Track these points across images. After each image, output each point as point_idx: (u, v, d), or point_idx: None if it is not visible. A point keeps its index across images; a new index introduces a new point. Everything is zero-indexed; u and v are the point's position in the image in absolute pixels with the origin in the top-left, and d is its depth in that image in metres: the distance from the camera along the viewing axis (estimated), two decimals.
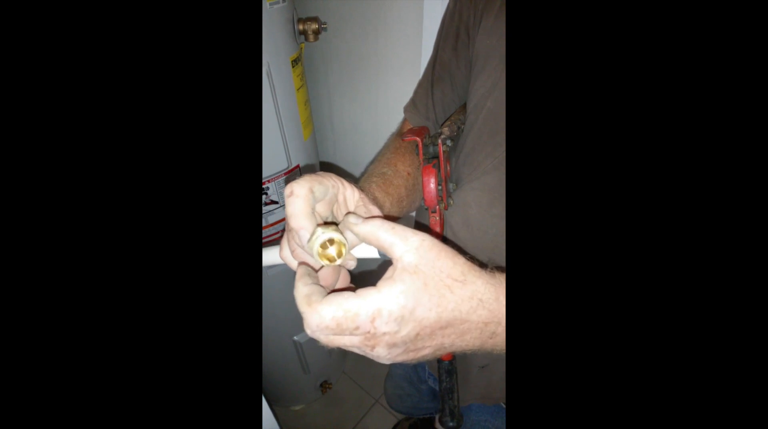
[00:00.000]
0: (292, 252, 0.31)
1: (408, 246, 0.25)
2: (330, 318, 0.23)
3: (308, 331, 0.24)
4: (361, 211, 0.33)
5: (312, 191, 0.29)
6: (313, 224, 0.28)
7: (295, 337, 1.09)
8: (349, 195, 0.33)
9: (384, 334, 0.24)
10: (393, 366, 0.85)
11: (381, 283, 0.24)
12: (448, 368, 0.51)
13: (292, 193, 0.29)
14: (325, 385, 1.32)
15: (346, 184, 0.33)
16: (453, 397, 0.51)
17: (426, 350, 0.26)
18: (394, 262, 0.25)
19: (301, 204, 0.29)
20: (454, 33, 0.48)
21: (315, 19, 0.79)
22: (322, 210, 0.32)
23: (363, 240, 0.28)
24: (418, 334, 0.24)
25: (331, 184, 0.31)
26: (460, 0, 0.47)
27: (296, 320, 1.07)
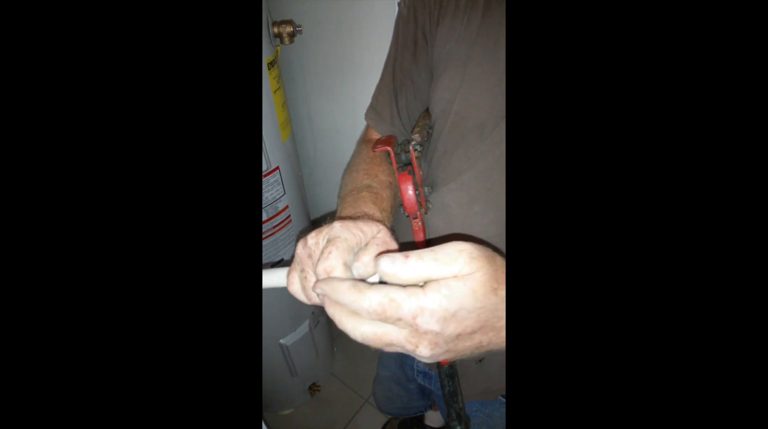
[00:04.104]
0: (310, 298, 0.31)
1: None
2: (377, 302, 0.24)
3: (352, 321, 0.25)
4: (374, 249, 0.30)
5: (345, 265, 0.28)
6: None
7: (281, 341, 1.08)
8: (370, 237, 0.32)
9: (425, 333, 0.24)
10: (380, 368, 0.85)
11: (428, 285, 0.24)
12: (449, 372, 0.51)
13: (329, 270, 0.28)
14: (313, 388, 1.32)
15: (366, 230, 0.32)
16: (458, 399, 0.51)
17: (467, 350, 0.27)
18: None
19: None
20: (412, 39, 0.48)
21: (290, 22, 0.80)
22: None
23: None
24: (459, 335, 0.25)
25: (355, 242, 0.30)
26: (414, 6, 0.47)
27: (282, 323, 1.07)
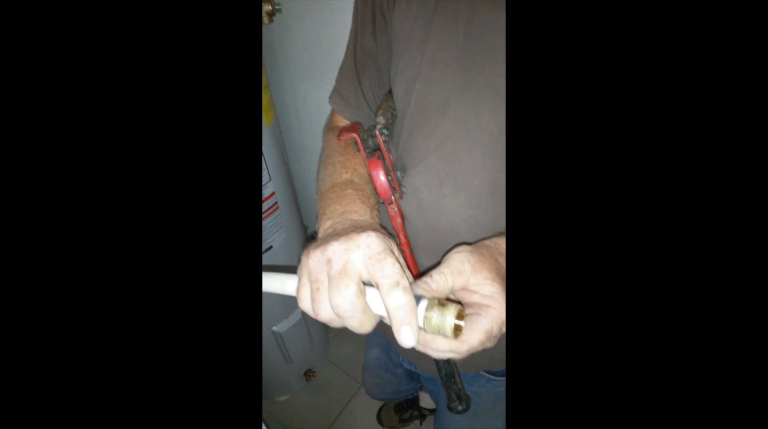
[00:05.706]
0: (317, 313, 0.30)
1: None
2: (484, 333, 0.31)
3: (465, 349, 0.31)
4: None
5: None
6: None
7: (274, 328, 1.08)
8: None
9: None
10: (367, 357, 0.85)
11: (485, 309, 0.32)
12: None
13: (398, 279, 0.28)
14: (309, 374, 1.32)
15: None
16: (456, 380, 0.50)
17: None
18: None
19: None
20: (371, 17, 0.47)
21: (268, 1, 0.77)
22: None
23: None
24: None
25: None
26: None
27: (274, 311, 1.07)
